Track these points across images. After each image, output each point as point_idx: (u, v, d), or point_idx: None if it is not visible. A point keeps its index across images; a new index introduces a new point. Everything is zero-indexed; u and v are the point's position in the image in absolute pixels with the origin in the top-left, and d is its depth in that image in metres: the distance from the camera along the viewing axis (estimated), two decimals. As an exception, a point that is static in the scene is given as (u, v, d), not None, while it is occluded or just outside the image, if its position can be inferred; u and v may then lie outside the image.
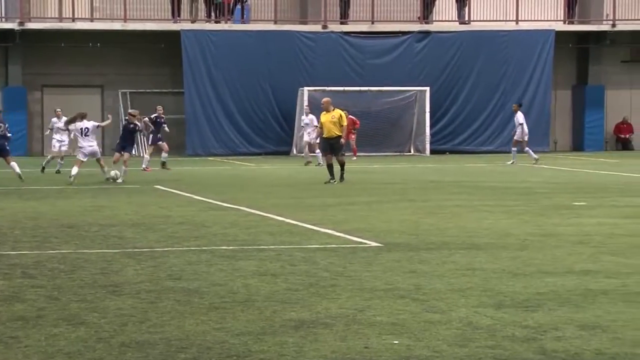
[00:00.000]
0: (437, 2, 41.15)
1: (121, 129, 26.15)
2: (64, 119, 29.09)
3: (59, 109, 31.17)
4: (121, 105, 39.49)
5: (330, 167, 24.19)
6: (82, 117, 25.50)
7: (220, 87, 39.12)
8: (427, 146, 39.34)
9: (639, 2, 42.22)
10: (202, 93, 38.94)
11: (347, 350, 7.63)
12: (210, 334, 8.20)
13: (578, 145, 42.44)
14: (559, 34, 40.83)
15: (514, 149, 33.52)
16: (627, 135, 43.07)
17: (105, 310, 9.12)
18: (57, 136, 30.09)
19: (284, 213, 17.42)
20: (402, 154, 39.56)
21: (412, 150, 40.18)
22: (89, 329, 8.35)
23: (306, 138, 33.68)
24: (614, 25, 41.60)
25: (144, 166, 30.13)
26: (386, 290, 10.08)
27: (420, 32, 40.37)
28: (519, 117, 33.35)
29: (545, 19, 41.48)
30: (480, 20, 40.97)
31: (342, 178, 24.14)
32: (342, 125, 24.23)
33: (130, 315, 8.91)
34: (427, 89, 39.34)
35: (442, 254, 12.58)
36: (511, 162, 32.80)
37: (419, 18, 41.07)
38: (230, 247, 13.27)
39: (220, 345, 7.78)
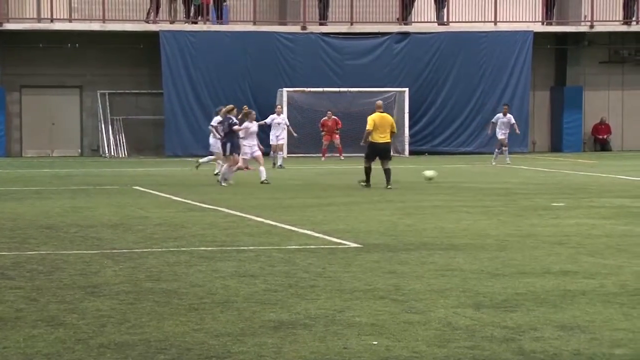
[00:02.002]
0: (415, 3, 41.21)
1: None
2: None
3: (221, 107, 29.13)
4: (99, 106, 39.38)
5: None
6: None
7: (199, 88, 39.05)
8: (406, 147, 39.39)
9: (616, 3, 42.39)
10: (181, 94, 38.87)
11: (326, 351, 7.64)
12: (189, 334, 8.19)
13: (556, 146, 42.59)
14: (537, 35, 40.96)
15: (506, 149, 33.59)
16: (605, 136, 43.25)
17: (84, 312, 9.09)
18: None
19: (262, 214, 17.42)
20: (381, 154, 39.53)
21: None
22: (68, 330, 8.33)
23: (275, 141, 32.00)
24: (592, 27, 41.77)
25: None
26: (365, 291, 10.10)
27: (399, 33, 40.43)
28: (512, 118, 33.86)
29: (524, 20, 41.60)
30: (458, 21, 41.06)
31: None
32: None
33: (109, 316, 8.90)
34: (406, 89, 39.40)
35: (421, 255, 12.60)
36: (508, 161, 33.08)
37: (397, 19, 41.13)
38: (209, 248, 13.26)
39: (199, 346, 7.78)
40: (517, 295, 9.88)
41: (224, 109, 25.36)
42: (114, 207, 18.75)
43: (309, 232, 14.95)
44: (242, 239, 14.25)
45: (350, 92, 38.99)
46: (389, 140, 23.68)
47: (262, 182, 24.28)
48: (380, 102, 24.86)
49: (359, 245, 13.50)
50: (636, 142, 43.16)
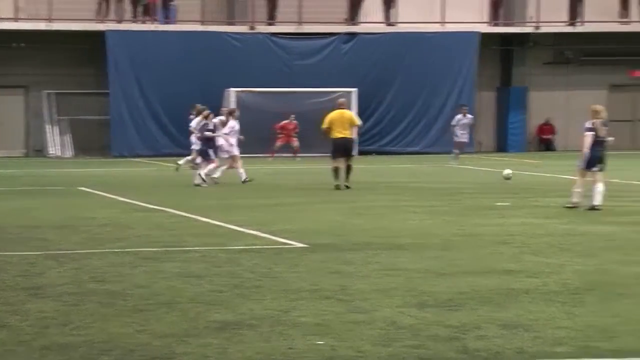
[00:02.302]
0: (363, 4, 41.30)
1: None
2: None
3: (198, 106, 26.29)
4: (45, 106, 39.02)
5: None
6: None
7: (146, 88, 38.83)
8: (355, 147, 39.41)
9: (562, 4, 42.77)
10: (128, 94, 38.62)
11: (272, 351, 7.65)
12: (133, 336, 8.16)
13: (502, 146, 42.88)
14: (484, 36, 41.21)
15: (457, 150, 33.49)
16: (550, 136, 43.67)
17: (27, 313, 9.02)
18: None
19: (209, 214, 17.37)
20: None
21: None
22: (10, 332, 8.26)
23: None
24: (537, 28, 42.13)
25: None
26: (311, 291, 10.12)
27: (347, 33, 40.52)
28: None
29: (471, 21, 41.85)
30: (406, 22, 41.22)
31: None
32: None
33: (52, 317, 8.83)
34: (355, 89, 39.46)
35: (366, 255, 12.65)
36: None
37: (345, 19, 41.20)
38: (154, 249, 13.21)
39: (143, 347, 7.75)
40: (461, 294, 9.95)
41: (201, 116, 25.26)
42: (59, 208, 18.60)
43: (255, 233, 14.93)
44: (188, 239, 14.21)
45: (298, 92, 38.95)
46: (347, 136, 24.11)
47: (214, 178, 24.29)
48: (341, 100, 25.26)
49: (305, 246, 13.52)
50: (580, 142, 43.51)
